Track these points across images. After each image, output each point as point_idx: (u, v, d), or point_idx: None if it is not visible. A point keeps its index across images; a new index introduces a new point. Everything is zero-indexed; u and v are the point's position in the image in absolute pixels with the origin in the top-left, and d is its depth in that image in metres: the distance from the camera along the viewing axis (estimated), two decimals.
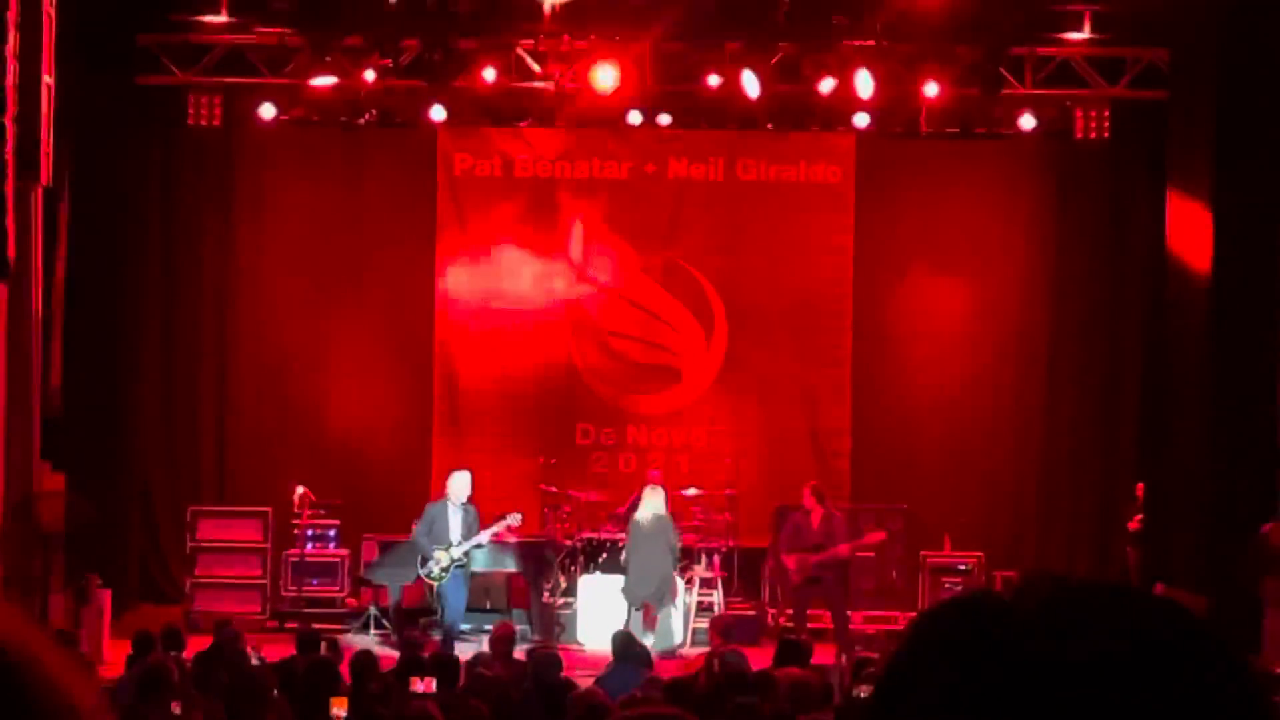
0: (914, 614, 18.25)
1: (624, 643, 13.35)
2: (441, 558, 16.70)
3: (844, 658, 15.66)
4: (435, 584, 16.91)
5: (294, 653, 12.63)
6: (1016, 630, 1.54)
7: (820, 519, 17.59)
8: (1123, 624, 1.54)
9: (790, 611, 18.06)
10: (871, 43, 19.11)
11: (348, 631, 18.24)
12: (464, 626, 17.27)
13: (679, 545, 17.69)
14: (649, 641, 16.47)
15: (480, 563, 18.71)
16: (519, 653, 13.78)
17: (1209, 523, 18.67)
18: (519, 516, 17.22)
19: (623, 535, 18.21)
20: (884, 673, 1.62)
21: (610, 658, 13.40)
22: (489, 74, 19.48)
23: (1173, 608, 1.57)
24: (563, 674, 11.72)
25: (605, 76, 19.06)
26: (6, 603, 1.58)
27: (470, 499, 17.12)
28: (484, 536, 16.91)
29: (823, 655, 14.82)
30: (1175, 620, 1.56)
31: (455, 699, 10.00)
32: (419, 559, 16.94)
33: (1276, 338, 17.62)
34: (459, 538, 16.74)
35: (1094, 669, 1.51)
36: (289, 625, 18.15)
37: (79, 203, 18.13)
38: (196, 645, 13.34)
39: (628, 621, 16.93)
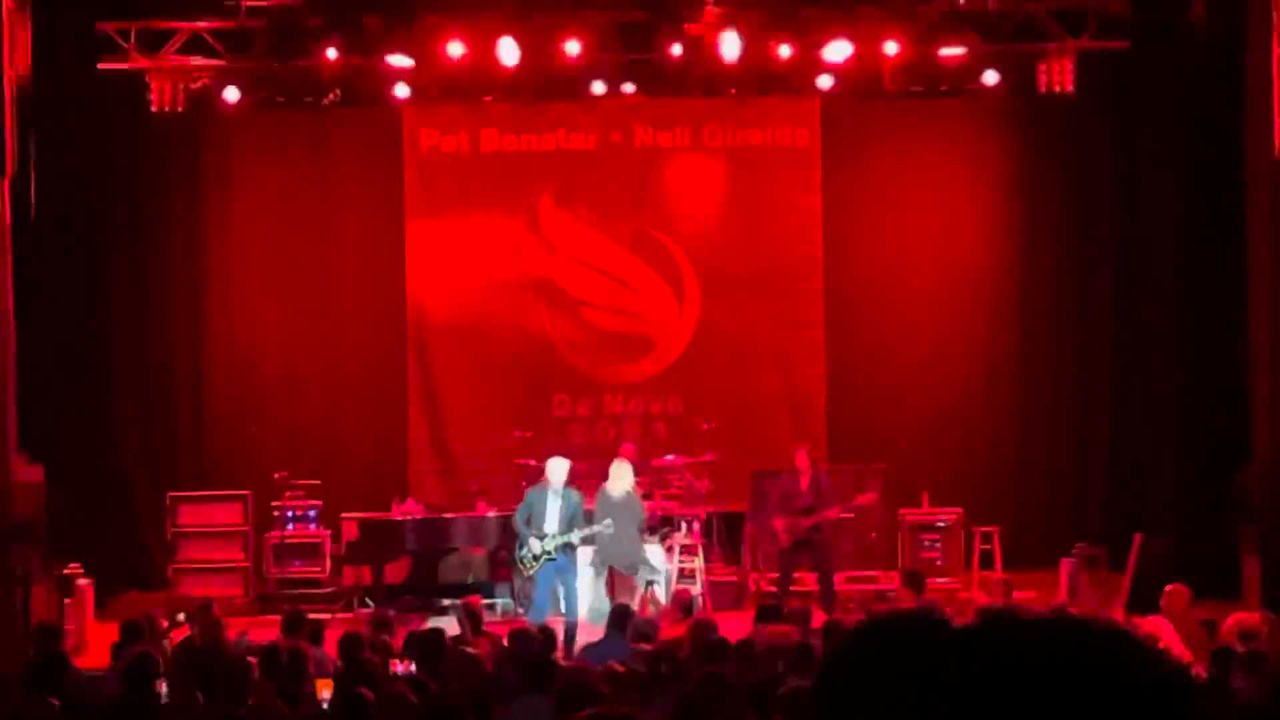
0: (895, 573, 18.21)
1: (620, 615, 13.30)
2: (535, 546, 16.62)
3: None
4: (528, 570, 16.86)
5: (276, 635, 12.62)
6: (955, 650, 1.57)
7: (809, 481, 17.58)
8: (1058, 653, 1.57)
9: (774, 575, 18.09)
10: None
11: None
12: (579, 617, 16.55)
13: (645, 518, 17.61)
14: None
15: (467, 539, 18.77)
16: (501, 628, 13.81)
17: (1184, 470, 18.77)
18: (612, 524, 16.88)
19: None
20: (823, 673, 1.65)
21: (604, 629, 13.38)
22: (455, 48, 19.29)
23: (1114, 637, 1.59)
24: (547, 648, 11.70)
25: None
26: None
27: (570, 483, 16.94)
28: (575, 537, 16.73)
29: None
30: (1111, 650, 1.58)
31: (439, 679, 10.02)
32: (517, 543, 16.93)
33: (1243, 280, 17.64)
34: (556, 526, 16.66)
35: (1024, 693, 1.54)
36: (273, 608, 18.13)
37: (44, 193, 18.03)
38: (180, 631, 13.36)
39: (597, 588, 16.86)
